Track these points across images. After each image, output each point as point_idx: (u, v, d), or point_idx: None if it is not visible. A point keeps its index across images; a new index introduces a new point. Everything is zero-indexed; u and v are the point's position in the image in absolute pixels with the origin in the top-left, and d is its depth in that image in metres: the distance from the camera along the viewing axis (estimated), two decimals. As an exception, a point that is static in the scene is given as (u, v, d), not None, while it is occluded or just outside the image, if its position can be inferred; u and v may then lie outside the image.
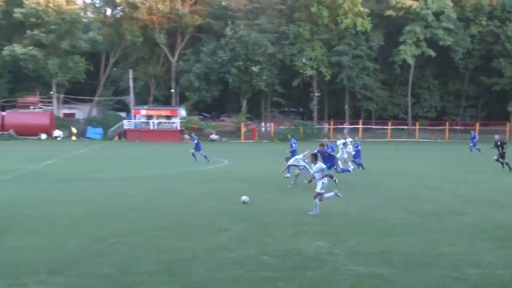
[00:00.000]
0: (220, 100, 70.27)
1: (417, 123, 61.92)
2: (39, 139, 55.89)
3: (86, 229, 11.43)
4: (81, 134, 59.57)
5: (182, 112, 62.70)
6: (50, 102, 65.19)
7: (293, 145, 22.14)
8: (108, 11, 69.74)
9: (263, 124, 64.67)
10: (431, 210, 13.82)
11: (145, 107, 63.73)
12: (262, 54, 59.35)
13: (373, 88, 62.21)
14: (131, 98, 65.18)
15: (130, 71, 64.14)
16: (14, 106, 64.11)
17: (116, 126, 60.79)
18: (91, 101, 68.53)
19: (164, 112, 62.37)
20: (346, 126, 63.42)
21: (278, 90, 65.05)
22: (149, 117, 61.04)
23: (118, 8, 66.49)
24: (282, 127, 61.09)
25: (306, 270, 8.10)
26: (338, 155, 23.96)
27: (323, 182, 13.24)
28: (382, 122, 63.61)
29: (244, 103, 64.76)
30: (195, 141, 28.60)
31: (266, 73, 60.07)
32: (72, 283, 7.58)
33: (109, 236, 10.59)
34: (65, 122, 62.58)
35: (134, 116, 61.44)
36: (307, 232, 10.92)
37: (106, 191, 18.10)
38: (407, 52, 58.47)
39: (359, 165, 24.57)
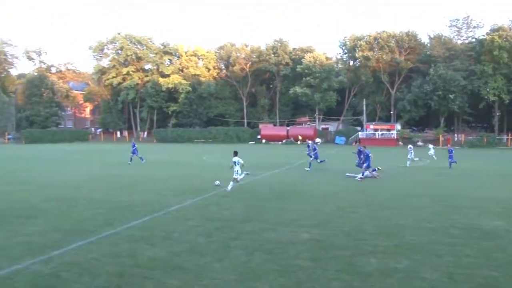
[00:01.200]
0: (424, 118, 77.60)
1: None
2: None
3: (332, 201, 13.68)
4: (332, 140, 73.12)
5: (398, 126, 72.47)
6: (314, 120, 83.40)
7: (369, 154, 21.16)
8: (351, 63, 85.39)
9: (456, 135, 71.70)
10: None
11: (373, 123, 74.10)
12: (456, 86, 68.25)
13: (542, 108, 67.76)
14: (364, 118, 76.47)
15: (364, 100, 77.30)
16: (293, 124, 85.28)
17: (354, 136, 72.32)
18: (338, 119, 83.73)
19: (385, 126, 72.65)
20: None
21: (467, 111, 71.94)
22: (375, 129, 71.82)
23: (357, 60, 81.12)
24: (470, 137, 68.70)
25: (484, 240, 8.88)
26: (408, 156, 28.64)
27: (238, 171, 15.11)
28: (550, 133, 67.43)
29: (442, 120, 73.21)
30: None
31: (458, 99, 68.94)
32: (324, 233, 9.39)
33: (346, 207, 12.70)
34: (322, 133, 77.79)
35: (366, 129, 72.66)
36: (488, 214, 11.84)
37: (341, 176, 20.86)
38: None
39: (452, 162, 27.05)
